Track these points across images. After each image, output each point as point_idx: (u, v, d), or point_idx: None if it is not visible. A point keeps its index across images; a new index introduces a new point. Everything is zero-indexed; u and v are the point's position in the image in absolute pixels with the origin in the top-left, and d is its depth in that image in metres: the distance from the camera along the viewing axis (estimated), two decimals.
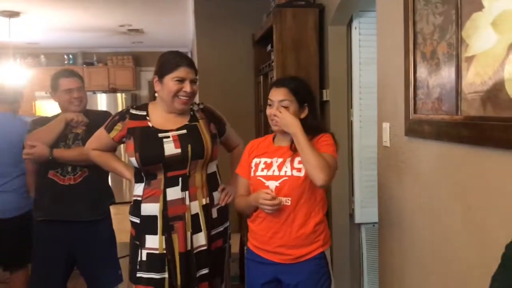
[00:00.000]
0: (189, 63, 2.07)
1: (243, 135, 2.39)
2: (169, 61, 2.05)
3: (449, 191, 1.59)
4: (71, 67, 7.79)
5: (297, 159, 1.85)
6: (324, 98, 3.06)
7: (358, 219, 3.11)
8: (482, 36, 1.35)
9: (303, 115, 1.90)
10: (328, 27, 3.01)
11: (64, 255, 2.54)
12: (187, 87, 2.03)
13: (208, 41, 4.26)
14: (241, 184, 2.01)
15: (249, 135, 3.31)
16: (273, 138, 1.99)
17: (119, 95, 7.57)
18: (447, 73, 1.55)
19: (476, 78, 1.38)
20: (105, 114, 2.67)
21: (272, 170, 1.88)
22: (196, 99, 5.05)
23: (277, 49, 3.02)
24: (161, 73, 2.05)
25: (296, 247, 1.86)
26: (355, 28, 2.99)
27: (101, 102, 7.47)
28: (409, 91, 1.81)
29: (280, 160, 1.89)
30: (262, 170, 1.91)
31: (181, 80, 2.03)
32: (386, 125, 2.10)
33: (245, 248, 2.04)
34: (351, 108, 3.07)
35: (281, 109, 1.86)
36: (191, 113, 2.15)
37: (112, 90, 7.74)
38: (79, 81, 2.59)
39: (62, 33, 6.30)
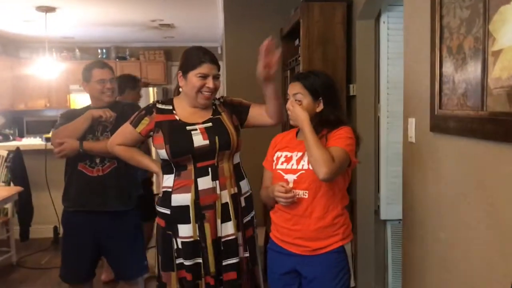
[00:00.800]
0: (212, 59, 2.11)
1: (269, 130, 2.39)
2: (192, 57, 2.10)
3: (473, 189, 1.56)
4: (105, 61, 7.97)
5: None
6: (351, 93, 3.04)
7: (383, 215, 3.08)
8: (509, 30, 1.32)
9: (318, 109, 1.93)
10: (356, 21, 2.98)
11: (91, 244, 2.60)
12: (210, 83, 2.09)
13: (236, 35, 4.27)
14: (266, 176, 2.06)
15: (276, 130, 3.31)
16: (297, 133, 2.01)
17: (150, 89, 7.68)
18: (473, 68, 1.51)
19: (502, 73, 1.35)
20: (133, 106, 2.74)
21: (291, 164, 1.92)
22: (224, 93, 5.09)
23: (304, 43, 3.01)
24: (185, 69, 2.11)
25: (314, 239, 1.88)
26: (384, 22, 2.95)
27: None
28: (435, 86, 1.78)
29: (299, 154, 1.91)
30: (282, 163, 1.94)
31: (204, 76, 2.09)
32: (411, 121, 2.08)
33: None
34: (379, 103, 3.03)
35: (294, 103, 1.90)
36: (213, 107, 2.21)
37: (144, 85, 7.85)
38: (111, 72, 2.64)
39: (95, 27, 6.44)
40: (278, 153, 1.99)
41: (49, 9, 4.99)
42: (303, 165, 1.88)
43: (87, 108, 2.66)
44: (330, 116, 1.93)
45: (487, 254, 1.48)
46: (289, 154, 1.95)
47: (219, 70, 2.15)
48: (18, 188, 4.06)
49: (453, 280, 1.72)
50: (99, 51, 8.03)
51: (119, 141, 2.28)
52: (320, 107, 1.93)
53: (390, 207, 3.05)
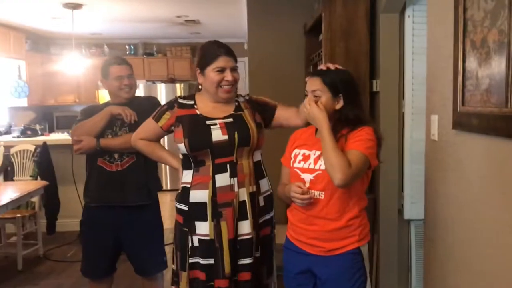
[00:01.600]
0: (227, 52, 2.08)
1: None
2: (208, 53, 2.09)
3: (497, 191, 1.48)
4: (132, 57, 8.06)
5: None
6: (374, 89, 2.96)
7: (407, 215, 3.00)
8: None
9: (338, 106, 1.85)
10: (379, 15, 2.90)
11: (111, 239, 2.61)
12: (228, 76, 2.06)
13: (260, 31, 4.24)
14: (284, 173, 2.02)
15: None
16: (316, 129, 1.95)
17: (177, 85, 7.74)
18: (497, 63, 1.44)
19: None
20: (150, 99, 2.75)
21: (308, 163, 1.86)
22: (247, 90, 5.06)
23: (326, 38, 2.95)
24: (202, 65, 2.09)
25: (329, 240, 1.83)
26: (408, 16, 2.86)
27: (161, 91, 7.68)
28: (458, 82, 1.70)
29: (318, 153, 1.85)
30: (300, 162, 1.89)
31: (221, 70, 2.06)
32: (434, 118, 2.00)
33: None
34: (403, 99, 2.95)
35: (311, 101, 1.82)
36: (236, 103, 2.18)
37: (170, 80, 7.93)
38: (129, 68, 2.63)
39: (122, 24, 6.52)
40: (296, 151, 1.93)
41: (76, 6, 5.07)
42: (320, 165, 1.82)
43: (106, 104, 2.67)
44: (350, 114, 1.85)
45: (510, 260, 1.40)
46: (307, 152, 1.89)
47: (236, 61, 2.12)
48: (44, 182, 4.14)
49: (475, 284, 1.64)
50: (127, 47, 8.13)
51: (141, 136, 2.29)
52: (340, 104, 1.85)
53: (414, 206, 2.97)
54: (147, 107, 2.49)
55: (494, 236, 1.50)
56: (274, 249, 2.27)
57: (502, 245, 1.45)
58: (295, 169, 1.89)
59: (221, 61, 2.06)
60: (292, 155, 1.94)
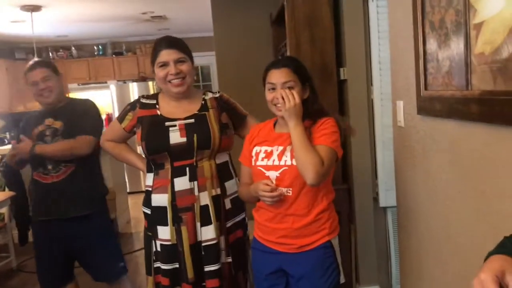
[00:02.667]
0: (169, 44, 2.00)
1: (262, 117, 2.23)
2: (153, 50, 2.01)
3: (462, 176, 1.43)
4: (102, 58, 7.88)
5: None
6: (342, 77, 2.89)
7: (382, 202, 2.95)
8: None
9: (305, 95, 1.78)
10: (343, 0, 2.82)
11: (59, 251, 2.49)
12: (171, 69, 1.97)
13: (225, 23, 4.15)
14: (244, 172, 1.92)
15: (268, 117, 3.19)
16: (274, 124, 1.87)
17: (150, 83, 7.59)
18: (456, 44, 1.38)
19: (485, 47, 1.22)
20: (86, 103, 2.60)
21: (272, 160, 1.77)
22: (216, 82, 4.96)
23: (290, 26, 2.87)
24: (151, 64, 2.03)
25: (299, 236, 1.76)
26: (372, 0, 2.80)
27: (133, 91, 7.52)
28: (419, 66, 1.65)
29: (280, 148, 1.77)
30: (263, 159, 1.80)
31: (164, 64, 1.98)
32: (400, 104, 1.95)
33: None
34: (371, 85, 2.89)
35: (294, 92, 1.72)
36: (203, 101, 2.08)
37: (142, 79, 7.77)
38: (45, 71, 2.43)
39: (87, 24, 6.33)
40: (257, 148, 1.84)
41: (34, 8, 4.88)
42: (285, 160, 1.74)
43: (40, 112, 2.54)
44: (315, 105, 1.79)
45: (480, 246, 1.35)
46: (269, 148, 1.80)
47: (184, 53, 2.00)
48: (11, 193, 3.99)
49: (448, 271, 1.60)
50: (95, 47, 7.93)
51: (108, 137, 2.23)
52: (307, 93, 1.79)
53: (389, 194, 2.92)
54: (79, 112, 2.44)
55: (463, 223, 1.45)
56: (249, 249, 2.20)
57: (472, 232, 1.40)
58: (259, 168, 1.80)
59: (163, 55, 1.98)
60: (253, 153, 1.85)
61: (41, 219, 2.49)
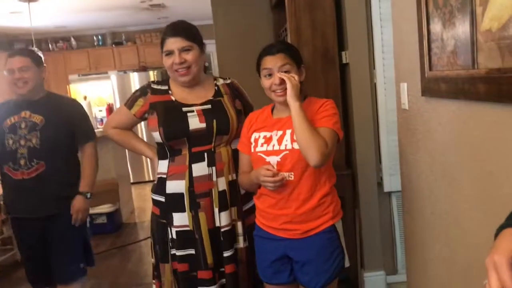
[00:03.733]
0: (174, 33, 1.95)
1: (263, 104, 2.19)
2: (162, 37, 1.98)
3: (469, 157, 1.40)
4: (101, 48, 7.84)
5: None
6: (344, 61, 2.85)
7: (387, 187, 2.93)
8: None
9: (302, 78, 1.77)
10: None
11: (35, 248, 2.44)
12: (176, 58, 1.93)
13: (225, 9, 4.08)
14: (243, 160, 1.90)
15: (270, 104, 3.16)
16: (272, 110, 1.85)
17: (151, 72, 7.54)
18: (461, 22, 1.34)
19: (492, 24, 1.18)
20: (75, 103, 2.56)
21: (272, 145, 1.75)
22: (216, 70, 4.90)
23: (290, 11, 2.82)
24: (161, 52, 1.99)
25: (303, 222, 1.74)
26: None
27: (134, 81, 7.48)
28: (423, 46, 1.61)
29: (280, 133, 1.75)
30: (262, 145, 1.77)
31: (169, 53, 1.95)
32: (403, 86, 1.91)
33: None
34: (374, 69, 2.85)
35: (293, 74, 1.70)
36: (216, 87, 2.06)
37: (142, 69, 7.73)
38: (25, 60, 2.32)
39: (86, 14, 6.29)
40: (256, 134, 1.82)
41: None
42: (286, 145, 1.72)
43: (8, 102, 2.44)
44: (304, 87, 1.79)
45: (488, 227, 1.33)
46: (268, 134, 1.78)
47: (189, 40, 1.95)
48: None
49: (455, 254, 1.57)
50: (94, 38, 7.89)
51: (114, 124, 2.16)
52: (303, 76, 1.79)
53: (394, 178, 2.89)
54: (70, 112, 2.41)
55: (471, 205, 1.42)
56: None
57: (480, 215, 1.37)
58: (259, 154, 1.77)
59: (168, 44, 1.94)
60: (252, 140, 1.82)
61: (13, 216, 2.45)
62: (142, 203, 6.08)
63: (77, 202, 2.45)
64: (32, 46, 5.79)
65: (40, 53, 2.48)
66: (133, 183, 6.50)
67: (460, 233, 1.51)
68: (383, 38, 2.80)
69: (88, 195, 2.48)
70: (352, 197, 2.91)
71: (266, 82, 1.75)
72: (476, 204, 1.38)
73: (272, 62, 1.74)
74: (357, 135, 2.85)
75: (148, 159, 2.49)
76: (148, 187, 6.82)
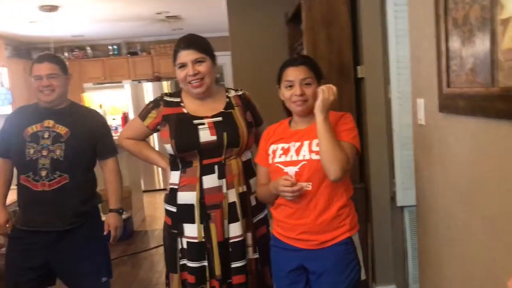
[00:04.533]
0: (187, 45, 1.98)
1: (277, 116, 2.22)
2: (174, 50, 2.02)
3: (488, 174, 1.42)
4: (116, 57, 7.94)
5: (315, 142, 1.73)
6: (359, 75, 2.89)
7: (400, 202, 2.94)
8: None
9: None
10: None
11: (38, 265, 2.29)
12: (189, 70, 1.97)
13: (241, 22, 4.15)
14: (261, 173, 1.93)
15: (284, 116, 3.20)
16: (289, 122, 1.89)
17: (164, 83, 7.62)
18: (481, 40, 1.37)
19: None
20: (97, 114, 2.49)
21: (290, 155, 1.78)
22: (230, 82, 4.97)
23: (307, 26, 2.87)
24: (173, 64, 2.03)
25: (320, 232, 1.76)
26: None
27: (147, 91, 7.57)
28: (441, 63, 1.64)
29: (297, 144, 1.78)
30: (280, 156, 1.81)
31: (183, 66, 1.98)
32: (420, 101, 1.94)
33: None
34: (389, 84, 2.87)
35: (331, 86, 1.73)
36: (227, 99, 2.09)
37: (156, 79, 7.81)
38: (54, 67, 2.26)
39: (103, 24, 6.39)
40: (274, 146, 1.85)
41: (52, 8, 4.94)
42: (304, 155, 1.75)
43: (25, 109, 2.38)
44: None
45: (505, 245, 1.34)
46: (286, 145, 1.81)
47: (202, 52, 1.98)
48: None
49: (471, 271, 1.58)
50: (110, 47, 7.99)
51: (128, 135, 2.21)
52: None
53: (407, 193, 2.90)
54: (93, 124, 2.37)
55: (488, 222, 1.44)
56: None
57: (497, 231, 1.38)
58: (277, 164, 1.81)
59: (181, 57, 1.98)
60: (270, 152, 1.86)
61: (23, 228, 2.30)
62: (153, 212, 6.11)
63: (113, 220, 2.40)
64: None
65: (65, 62, 2.45)
66: (144, 191, 6.55)
67: (477, 249, 1.53)
68: (398, 54, 2.83)
69: (121, 211, 2.44)
70: (365, 211, 2.93)
71: (287, 93, 1.79)
72: (494, 221, 1.40)
73: (294, 73, 1.78)
74: (371, 149, 2.88)
75: (160, 168, 2.49)
76: (158, 196, 6.87)
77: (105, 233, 2.40)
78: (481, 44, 1.36)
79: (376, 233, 2.95)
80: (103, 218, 2.48)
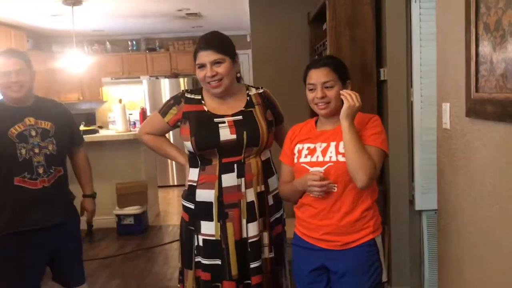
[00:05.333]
0: (206, 45, 1.97)
1: (298, 117, 2.25)
2: (194, 49, 2.02)
3: None
4: (135, 53, 8.00)
5: (342, 144, 1.73)
6: (382, 78, 2.88)
7: (418, 206, 2.93)
8: None
9: None
10: (385, 1, 2.81)
11: (38, 263, 2.31)
12: (208, 71, 1.96)
13: (263, 22, 4.16)
14: (285, 171, 1.93)
15: (305, 116, 3.20)
16: (316, 122, 1.89)
17: (181, 79, 7.67)
18: None
19: None
20: (63, 106, 2.49)
21: (316, 156, 1.78)
22: (251, 80, 4.99)
23: (331, 26, 2.87)
24: (194, 63, 2.03)
25: (344, 234, 1.77)
26: (415, 1, 2.77)
27: (164, 87, 7.63)
28: (470, 68, 1.63)
29: (324, 145, 1.78)
30: (306, 156, 1.81)
31: (202, 66, 1.98)
32: (446, 106, 1.93)
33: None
34: (411, 87, 2.87)
35: (357, 94, 1.70)
36: (248, 97, 2.09)
37: (174, 75, 7.86)
38: (21, 62, 2.21)
39: (123, 19, 6.45)
40: (299, 146, 1.86)
41: (75, 2, 5.00)
42: (330, 157, 1.76)
43: (7, 108, 2.25)
44: None
45: None
46: (311, 145, 1.82)
47: (221, 53, 1.96)
48: None
49: (492, 278, 1.58)
50: (129, 43, 8.06)
51: (147, 130, 2.22)
52: None
53: (426, 197, 2.90)
54: (66, 115, 2.42)
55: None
56: (286, 244, 2.23)
57: None
58: (302, 164, 1.81)
59: (200, 57, 1.97)
60: (295, 151, 1.86)
61: (16, 232, 2.22)
62: (166, 207, 6.16)
63: (89, 205, 2.57)
64: (72, 48, 5.97)
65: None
66: (158, 187, 6.60)
67: (500, 255, 1.52)
68: (422, 58, 2.82)
69: (95, 195, 2.59)
70: (383, 213, 2.92)
71: (310, 95, 1.80)
72: None
73: (315, 76, 1.78)
74: (391, 152, 2.84)
75: (174, 164, 2.53)
76: (172, 192, 6.92)
77: (81, 216, 2.55)
78: None
79: (393, 236, 2.94)
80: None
